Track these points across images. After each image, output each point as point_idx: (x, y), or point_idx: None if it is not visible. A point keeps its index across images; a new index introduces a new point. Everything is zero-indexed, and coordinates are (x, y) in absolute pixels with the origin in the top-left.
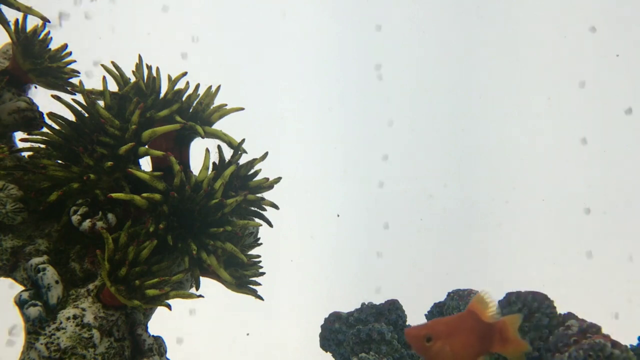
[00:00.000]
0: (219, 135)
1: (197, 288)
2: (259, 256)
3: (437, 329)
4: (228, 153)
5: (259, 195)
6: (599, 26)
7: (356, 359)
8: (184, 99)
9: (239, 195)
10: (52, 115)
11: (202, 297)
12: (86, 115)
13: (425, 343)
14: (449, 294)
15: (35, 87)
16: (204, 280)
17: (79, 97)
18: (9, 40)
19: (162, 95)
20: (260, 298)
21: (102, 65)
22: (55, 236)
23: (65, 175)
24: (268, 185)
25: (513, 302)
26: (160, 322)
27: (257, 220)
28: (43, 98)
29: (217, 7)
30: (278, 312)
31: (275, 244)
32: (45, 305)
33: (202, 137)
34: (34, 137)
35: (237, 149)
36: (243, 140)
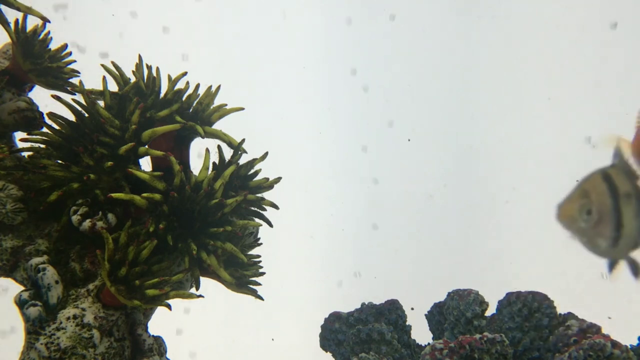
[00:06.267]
0: (219, 135)
1: (197, 288)
2: (259, 256)
3: None
4: (228, 153)
5: (259, 195)
6: (600, 23)
7: (356, 359)
8: (184, 99)
9: (239, 195)
10: (52, 115)
11: (202, 297)
12: (86, 115)
13: None
14: (449, 294)
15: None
16: (203, 280)
17: (79, 97)
18: (9, 40)
19: (162, 95)
20: (260, 298)
21: (102, 65)
22: (55, 236)
23: (65, 175)
24: (268, 185)
25: (513, 302)
26: (160, 323)
27: (257, 220)
28: (43, 98)
29: (217, 7)
30: (278, 312)
31: (275, 244)
32: (45, 305)
33: (202, 137)
34: (34, 137)
35: (237, 149)
36: (243, 140)
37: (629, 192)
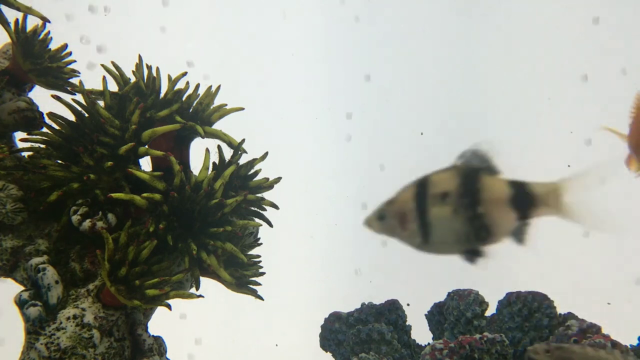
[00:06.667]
0: (219, 135)
1: (197, 288)
2: (259, 256)
3: None
4: (228, 153)
5: (259, 195)
6: (601, 20)
7: (356, 359)
8: (184, 99)
9: (239, 195)
10: (52, 115)
11: (202, 297)
12: (86, 115)
13: None
14: (449, 294)
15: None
16: (203, 280)
17: (79, 97)
18: (9, 40)
19: (162, 95)
20: (260, 298)
21: (102, 65)
22: (55, 236)
23: (65, 175)
24: (268, 185)
25: (513, 302)
26: (160, 323)
27: (257, 220)
28: (43, 98)
29: (217, 6)
30: (278, 312)
31: (275, 244)
32: (45, 305)
33: (202, 137)
34: (34, 137)
35: (237, 149)
36: (243, 140)
37: (445, 192)
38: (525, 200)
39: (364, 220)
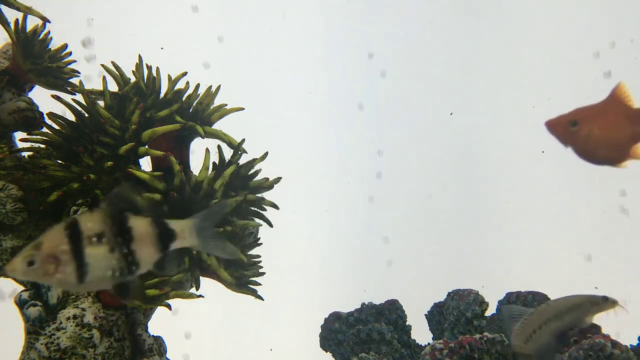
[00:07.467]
0: (219, 135)
1: (197, 288)
2: (259, 256)
3: (583, 112)
4: (228, 153)
5: (259, 195)
6: (599, 23)
7: (356, 359)
8: (184, 99)
9: (239, 195)
10: (52, 115)
11: (202, 297)
12: (86, 115)
13: (571, 128)
14: (449, 294)
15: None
16: (203, 280)
17: (79, 97)
18: (9, 40)
19: (162, 95)
20: (260, 298)
21: (102, 65)
22: None
23: (65, 175)
24: (268, 185)
25: (513, 302)
26: (159, 323)
27: (257, 220)
28: (43, 98)
29: (217, 6)
30: (278, 312)
31: (275, 244)
32: (45, 305)
33: (202, 137)
34: (34, 137)
35: (237, 149)
36: (243, 140)
37: (100, 233)
38: (167, 236)
39: (7, 267)
